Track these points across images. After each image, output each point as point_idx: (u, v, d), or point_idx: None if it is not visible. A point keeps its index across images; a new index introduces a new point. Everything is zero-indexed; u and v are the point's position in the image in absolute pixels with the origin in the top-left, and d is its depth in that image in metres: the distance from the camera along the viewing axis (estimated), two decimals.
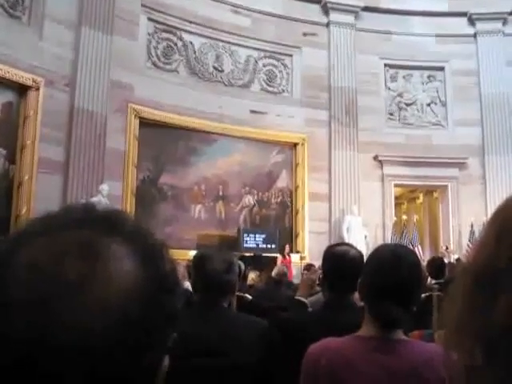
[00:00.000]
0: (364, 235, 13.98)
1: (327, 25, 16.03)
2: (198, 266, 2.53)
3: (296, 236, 14.91)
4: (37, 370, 0.57)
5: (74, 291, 0.58)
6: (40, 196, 10.72)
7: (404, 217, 16.48)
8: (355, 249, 2.69)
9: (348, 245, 2.80)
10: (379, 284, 1.82)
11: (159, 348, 0.66)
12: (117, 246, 0.64)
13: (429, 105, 16.51)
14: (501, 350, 0.62)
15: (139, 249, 0.66)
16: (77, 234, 0.64)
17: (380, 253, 1.93)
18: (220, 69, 14.80)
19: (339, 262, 2.61)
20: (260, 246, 13.70)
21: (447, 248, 14.75)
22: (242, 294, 4.29)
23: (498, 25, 16.33)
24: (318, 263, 5.52)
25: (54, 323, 0.57)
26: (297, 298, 4.22)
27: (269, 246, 13.84)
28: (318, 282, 4.70)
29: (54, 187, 11.22)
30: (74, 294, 0.58)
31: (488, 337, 0.63)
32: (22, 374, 0.57)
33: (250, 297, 4.52)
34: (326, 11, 16.01)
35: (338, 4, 15.91)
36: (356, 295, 2.33)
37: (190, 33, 14.44)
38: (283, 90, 15.64)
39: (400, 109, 16.41)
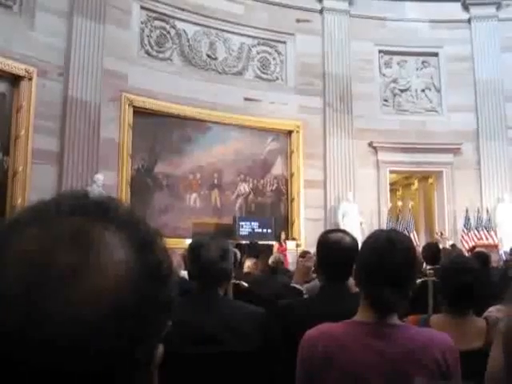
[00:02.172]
0: (359, 222, 14.00)
1: (321, 11, 15.94)
2: (193, 254, 2.54)
3: (292, 223, 14.93)
4: (24, 364, 0.56)
5: (65, 281, 0.58)
6: (35, 187, 10.69)
7: (399, 203, 16.52)
8: (349, 235, 2.69)
9: (342, 231, 2.80)
10: (374, 269, 1.83)
11: (153, 338, 0.65)
12: (110, 233, 0.63)
13: (423, 91, 16.48)
14: None
15: (133, 237, 0.65)
16: (69, 222, 0.63)
17: (374, 238, 1.94)
18: (213, 56, 14.73)
19: (334, 248, 2.61)
20: (256, 233, 13.71)
21: (442, 234, 14.80)
22: (238, 282, 4.30)
23: (493, 10, 16.26)
24: (313, 250, 5.53)
25: (43, 315, 0.56)
26: (293, 285, 4.24)
27: (265, 233, 13.86)
28: (313, 269, 4.71)
29: (49, 178, 11.19)
30: (65, 285, 0.57)
31: None
32: (9, 367, 0.56)
33: (246, 284, 4.53)
34: None
35: None
36: (351, 281, 2.34)
37: (183, 21, 14.34)
38: (277, 78, 15.58)
39: (394, 95, 16.37)
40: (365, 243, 1.96)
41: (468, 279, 2.69)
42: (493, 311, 3.02)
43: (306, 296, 3.94)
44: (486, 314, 2.96)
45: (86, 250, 0.60)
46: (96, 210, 0.66)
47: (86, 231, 0.62)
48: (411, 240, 2.05)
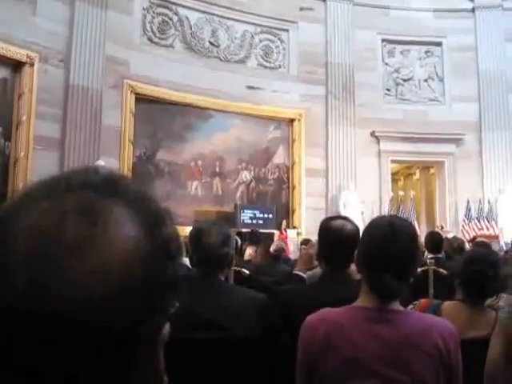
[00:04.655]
0: (361, 211, 13.99)
1: None
2: (194, 240, 2.53)
3: (293, 212, 14.94)
4: (32, 333, 0.56)
5: (72, 254, 0.58)
6: (36, 173, 10.68)
7: (401, 193, 16.54)
8: (351, 222, 2.69)
9: (344, 218, 2.80)
10: (376, 255, 1.83)
11: (159, 315, 0.65)
12: (119, 209, 0.63)
13: (426, 80, 16.42)
14: None
15: (142, 213, 0.65)
16: (78, 197, 0.63)
17: (376, 224, 1.94)
18: (216, 44, 14.67)
19: (335, 235, 2.61)
20: (257, 221, 13.73)
21: (442, 227, 14.78)
22: (239, 269, 4.31)
23: None
24: (314, 238, 5.55)
25: (52, 286, 0.57)
26: (295, 272, 4.25)
27: (266, 221, 13.87)
28: (316, 257, 4.71)
29: (51, 164, 11.18)
30: (72, 258, 0.58)
31: None
32: (17, 336, 0.57)
33: (247, 271, 4.54)
34: None
35: None
36: (353, 268, 2.34)
37: (186, 7, 14.27)
38: (280, 66, 15.53)
39: (397, 84, 16.32)
40: (366, 229, 1.96)
41: (485, 269, 2.71)
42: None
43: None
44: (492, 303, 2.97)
45: (95, 225, 0.60)
46: (106, 185, 0.66)
47: (95, 206, 0.62)
48: (413, 226, 2.05)
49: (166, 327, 0.68)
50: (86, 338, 0.57)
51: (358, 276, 2.10)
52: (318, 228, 2.77)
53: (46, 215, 0.61)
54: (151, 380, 0.68)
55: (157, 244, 0.64)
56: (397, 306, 1.84)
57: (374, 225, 1.94)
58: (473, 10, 16.23)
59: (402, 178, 19.43)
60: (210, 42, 14.60)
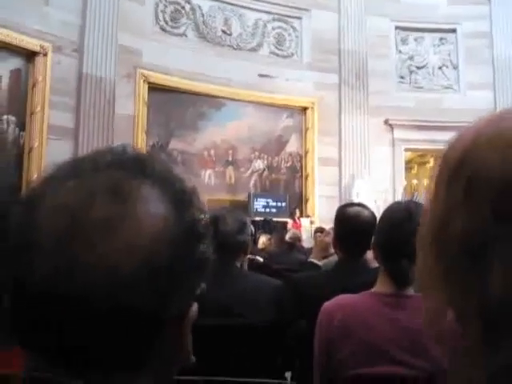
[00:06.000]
0: (374, 200, 13.91)
1: None
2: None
3: (306, 200, 14.90)
4: (61, 310, 0.57)
5: (100, 233, 0.58)
6: (50, 162, 10.68)
7: (414, 181, 16.40)
8: (367, 209, 2.67)
9: (360, 205, 2.79)
10: (392, 241, 1.82)
11: (187, 294, 0.66)
12: (146, 188, 0.64)
13: (440, 68, 16.26)
14: (500, 326, 0.51)
15: (169, 193, 0.65)
16: (106, 176, 0.63)
17: (393, 210, 1.93)
18: (228, 32, 14.62)
19: (352, 222, 2.60)
20: (270, 210, 13.74)
21: None
22: (253, 257, 4.32)
23: None
24: (327, 227, 5.54)
25: (80, 264, 0.57)
26: (311, 259, 4.24)
27: (279, 210, 13.88)
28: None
29: (64, 153, 11.21)
30: (101, 235, 0.58)
31: (486, 313, 0.54)
32: (44, 313, 0.57)
33: (261, 259, 4.55)
34: None
35: None
36: (369, 254, 2.34)
37: None
38: (292, 54, 15.44)
39: (411, 72, 16.17)
40: (383, 215, 1.95)
41: None
42: None
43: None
44: None
45: (122, 204, 0.61)
46: (133, 165, 0.66)
47: (123, 185, 0.62)
48: None
49: (195, 307, 0.68)
50: (112, 317, 0.57)
51: (375, 264, 2.09)
52: (331, 217, 2.76)
53: (74, 195, 0.61)
54: (178, 357, 0.68)
55: (185, 223, 0.64)
56: (413, 291, 1.84)
57: (391, 210, 1.93)
58: None
59: (415, 167, 19.27)
60: (223, 31, 14.54)
